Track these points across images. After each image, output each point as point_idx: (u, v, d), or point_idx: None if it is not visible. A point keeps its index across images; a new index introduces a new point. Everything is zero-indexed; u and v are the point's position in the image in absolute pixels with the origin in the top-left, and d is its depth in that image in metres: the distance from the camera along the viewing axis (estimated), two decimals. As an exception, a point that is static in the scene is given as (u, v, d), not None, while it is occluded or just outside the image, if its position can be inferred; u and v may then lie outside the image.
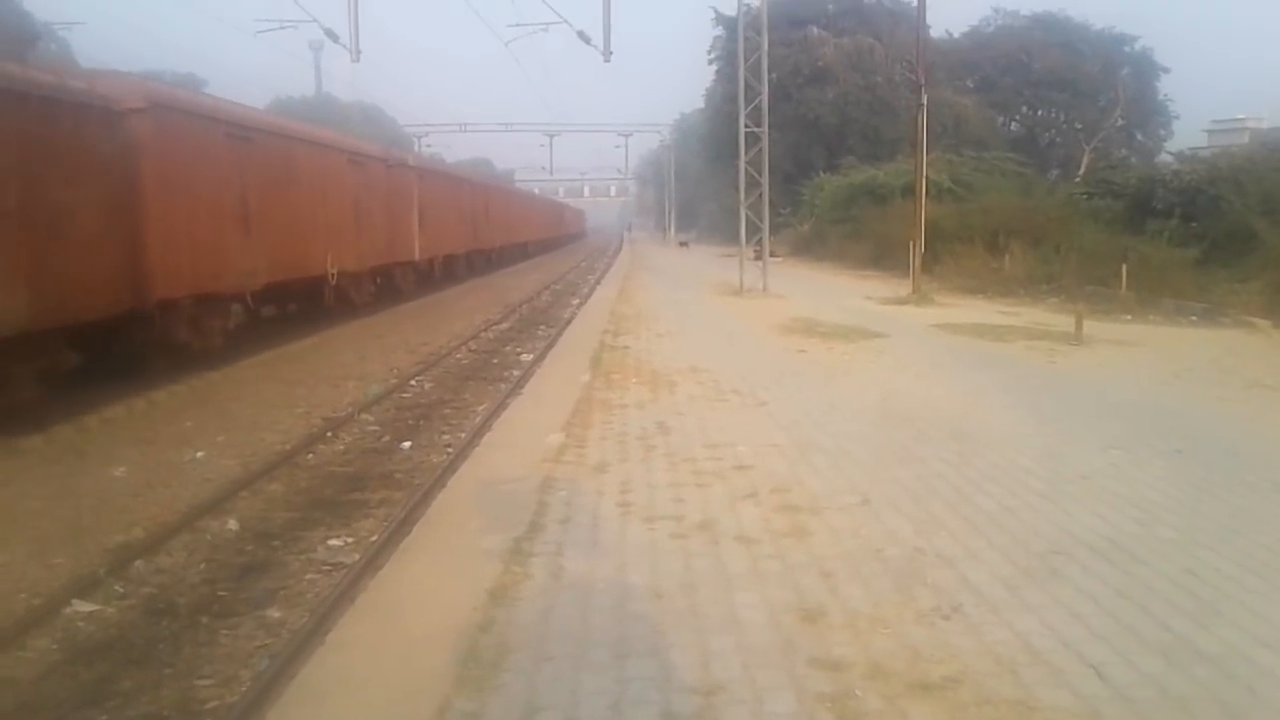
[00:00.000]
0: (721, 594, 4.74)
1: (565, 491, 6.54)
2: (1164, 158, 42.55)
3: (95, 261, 10.94)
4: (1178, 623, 4.38)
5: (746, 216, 24.47)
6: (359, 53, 21.33)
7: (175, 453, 9.43)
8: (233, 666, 5.17)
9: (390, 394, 12.54)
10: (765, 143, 23.69)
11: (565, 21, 24.42)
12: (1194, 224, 23.57)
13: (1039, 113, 56.09)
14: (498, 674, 3.92)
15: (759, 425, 8.73)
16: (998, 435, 8.25)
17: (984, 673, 3.90)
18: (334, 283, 18.65)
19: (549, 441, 7.96)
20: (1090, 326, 15.14)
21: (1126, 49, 53.77)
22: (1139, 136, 54.47)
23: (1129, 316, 17.85)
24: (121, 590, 6.13)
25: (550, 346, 15.86)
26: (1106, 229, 25.24)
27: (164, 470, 8.79)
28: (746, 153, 23.91)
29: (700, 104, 63.78)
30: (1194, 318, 17.68)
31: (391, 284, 24.15)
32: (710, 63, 54.94)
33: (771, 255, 26.25)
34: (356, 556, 6.56)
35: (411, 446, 9.99)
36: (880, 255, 31.02)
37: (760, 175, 23.80)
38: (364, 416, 11.32)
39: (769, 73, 24.26)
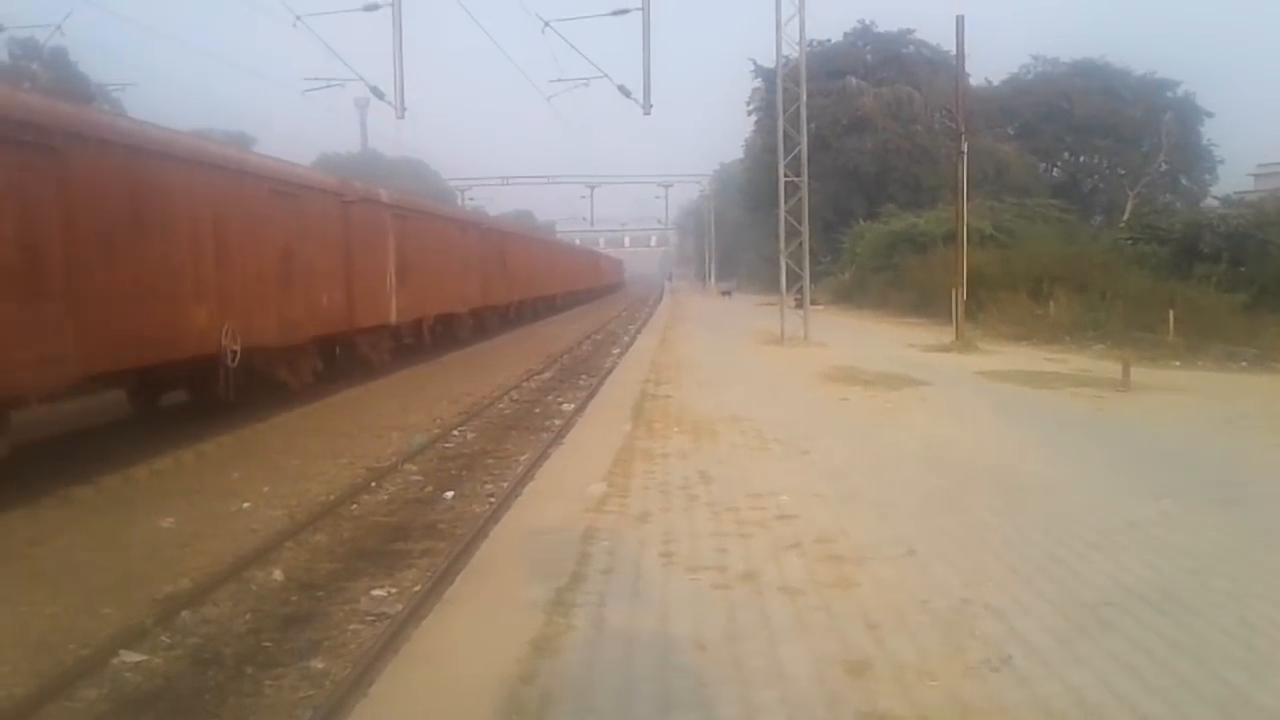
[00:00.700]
0: (766, 646, 4.70)
1: (608, 541, 6.53)
2: (1209, 202, 42.07)
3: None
4: (1234, 676, 4.28)
5: (787, 265, 24.51)
6: (404, 109, 21.67)
7: (222, 504, 9.55)
8: (277, 717, 5.20)
9: (433, 444, 12.63)
10: (805, 192, 23.79)
11: (606, 76, 24.75)
12: (1242, 268, 23.29)
13: (1081, 159, 55.63)
14: (540, 726, 3.90)
15: (802, 474, 8.68)
16: (1045, 484, 8.14)
17: (1035, 728, 3.82)
18: (232, 363, 12.81)
19: (591, 491, 7.98)
20: (1138, 373, 14.92)
21: (1169, 94, 53.31)
22: (1183, 181, 53.79)
23: (1177, 363, 17.58)
24: (169, 640, 6.19)
25: (591, 396, 15.92)
26: (1152, 274, 25.01)
27: (211, 521, 8.91)
28: (786, 202, 24.02)
29: (740, 154, 64.50)
30: (1244, 364, 17.39)
31: (354, 355, 18.86)
32: (749, 113, 55.66)
33: (812, 303, 26.20)
34: (400, 607, 6.58)
35: (454, 496, 10.05)
36: (922, 302, 30.91)
37: (800, 224, 23.86)
38: (407, 466, 11.41)
39: (808, 123, 24.45)
